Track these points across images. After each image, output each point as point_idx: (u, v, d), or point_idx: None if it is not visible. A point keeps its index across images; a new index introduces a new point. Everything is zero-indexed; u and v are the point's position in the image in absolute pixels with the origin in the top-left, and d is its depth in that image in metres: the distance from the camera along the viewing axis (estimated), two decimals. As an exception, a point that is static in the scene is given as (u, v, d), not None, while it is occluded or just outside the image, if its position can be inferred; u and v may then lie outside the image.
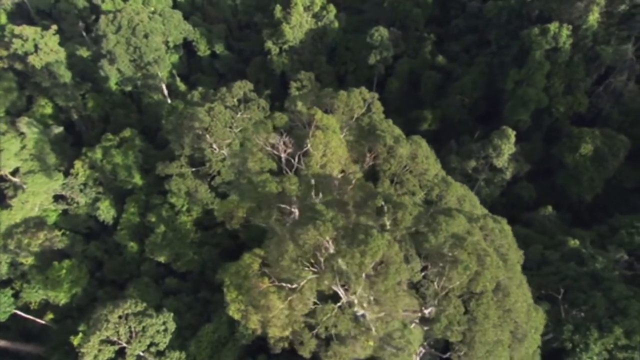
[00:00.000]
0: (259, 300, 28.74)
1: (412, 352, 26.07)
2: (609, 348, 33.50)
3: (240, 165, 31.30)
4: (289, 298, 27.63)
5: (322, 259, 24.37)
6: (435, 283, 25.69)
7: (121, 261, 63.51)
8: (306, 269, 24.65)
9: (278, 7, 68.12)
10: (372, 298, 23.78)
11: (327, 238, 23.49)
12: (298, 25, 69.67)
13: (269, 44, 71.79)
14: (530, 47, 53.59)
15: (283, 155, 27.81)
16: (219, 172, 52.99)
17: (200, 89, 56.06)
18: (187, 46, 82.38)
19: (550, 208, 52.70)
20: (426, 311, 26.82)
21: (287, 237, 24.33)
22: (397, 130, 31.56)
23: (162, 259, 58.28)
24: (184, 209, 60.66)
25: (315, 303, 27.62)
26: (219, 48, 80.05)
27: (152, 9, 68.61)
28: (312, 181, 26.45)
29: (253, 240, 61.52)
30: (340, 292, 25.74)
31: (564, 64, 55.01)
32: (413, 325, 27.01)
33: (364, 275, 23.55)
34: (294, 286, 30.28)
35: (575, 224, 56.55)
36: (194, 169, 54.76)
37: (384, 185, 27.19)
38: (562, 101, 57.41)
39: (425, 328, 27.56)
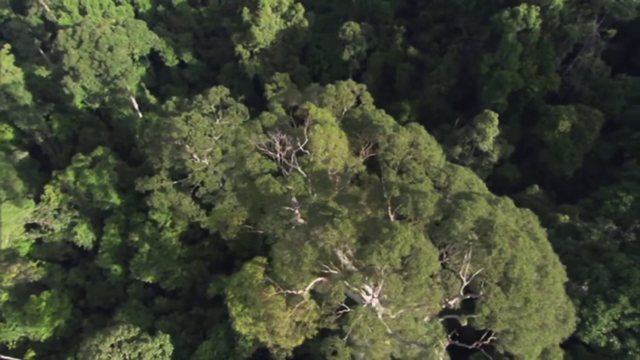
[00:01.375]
0: (267, 311, 27.22)
1: (441, 348, 25.13)
2: (616, 318, 33.81)
3: (237, 169, 29.70)
4: (297, 305, 26.27)
5: (342, 260, 23.17)
6: (462, 272, 24.81)
7: (105, 286, 60.35)
8: (326, 271, 23.37)
9: (246, 10, 66.70)
10: (398, 295, 22.63)
11: (349, 236, 22.34)
12: (267, 27, 68.44)
13: (239, 48, 70.19)
14: (502, 31, 54.30)
15: (281, 154, 26.49)
16: (202, 183, 51.01)
17: (174, 98, 54.03)
18: (153, 57, 79.69)
19: (537, 187, 53.36)
20: (451, 302, 25.96)
21: (302, 240, 22.98)
22: (392, 120, 30.93)
23: (149, 279, 55.69)
24: (168, 224, 58.24)
25: (341, 307, 26.22)
26: (188, 57, 77.81)
27: (114, 20, 65.83)
28: (317, 178, 25.23)
29: (243, 249, 59.87)
30: (363, 292, 24.53)
31: (535, 44, 56.03)
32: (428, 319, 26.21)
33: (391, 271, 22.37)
34: (299, 292, 29.02)
35: (561, 200, 57.52)
36: (175, 182, 52.59)
37: (390, 175, 26.33)
38: (536, 81, 58.45)
39: (440, 320, 26.82)
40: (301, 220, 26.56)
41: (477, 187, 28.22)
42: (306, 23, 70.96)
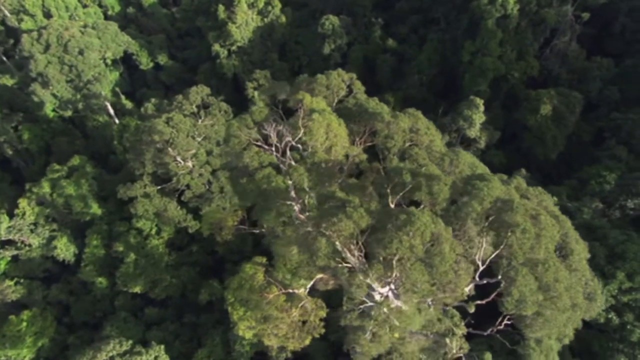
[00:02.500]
0: (270, 312, 26.09)
1: (460, 336, 24.54)
2: (613, 294, 34.21)
3: (233, 164, 28.40)
4: (301, 304, 25.29)
5: (356, 252, 22.25)
6: (478, 256, 24.14)
7: (91, 300, 57.83)
8: (340, 265, 22.41)
9: (221, 8, 65.06)
10: (424, 284, 21.74)
11: (364, 225, 21.42)
12: (244, 24, 66.99)
13: (216, 47, 68.48)
14: (481, 17, 54.59)
15: (279, 146, 25.38)
16: (187, 186, 49.31)
17: (153, 100, 52.08)
18: (126, 61, 76.97)
19: (524, 171, 53.89)
20: (466, 288, 25.38)
21: (311, 234, 21.94)
22: (386, 107, 30.28)
23: (137, 290, 53.59)
24: (153, 231, 56.25)
25: (363, 302, 25.17)
26: (163, 59, 75.48)
27: (82, 23, 63.05)
28: (320, 168, 24.26)
29: (232, 253, 58.39)
30: (377, 284, 23.68)
31: (514, 30, 56.61)
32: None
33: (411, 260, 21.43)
34: (300, 290, 28.06)
35: (546, 182, 58.25)
36: (159, 187, 50.68)
37: (393, 162, 25.61)
38: (516, 67, 59.11)
39: (446, 308, 26.29)
40: (301, 216, 25.60)
41: (480, 170, 27.87)
42: (283, 19, 69.86)
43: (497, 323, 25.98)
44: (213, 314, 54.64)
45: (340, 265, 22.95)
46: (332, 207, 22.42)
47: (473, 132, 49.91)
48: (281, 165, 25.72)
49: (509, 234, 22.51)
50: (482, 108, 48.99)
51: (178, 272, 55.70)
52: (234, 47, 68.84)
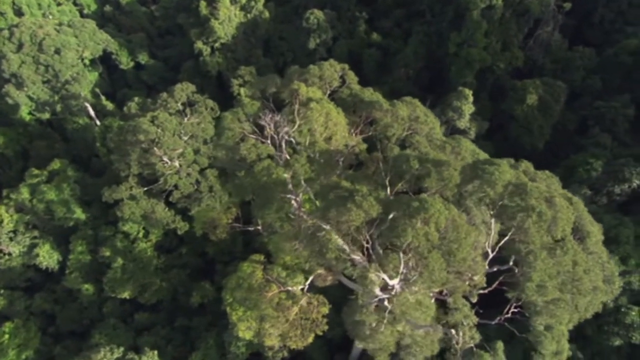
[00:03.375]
0: (272, 311, 25.26)
1: (471, 326, 24.03)
2: (609, 277, 34.56)
3: (228, 158, 27.42)
4: (302, 301, 24.59)
5: (365, 243, 21.54)
6: (487, 242, 23.75)
7: (77, 308, 55.91)
8: (350, 258, 21.68)
9: (203, 3, 63.65)
10: (441, 273, 21.09)
11: (375, 214, 20.72)
12: (227, 20, 65.71)
13: (199, 44, 67.00)
14: (467, 8, 54.72)
15: (276, 137, 24.59)
16: (175, 186, 47.86)
17: (136, 99, 50.52)
18: (105, 61, 74.72)
19: (512, 161, 54.27)
20: (475, 277, 24.96)
21: (316, 227, 21.15)
22: (380, 97, 29.79)
23: (126, 295, 52.00)
24: (141, 234, 54.69)
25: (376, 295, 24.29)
26: (143, 58, 73.49)
27: (57, 21, 60.73)
28: (321, 158, 23.54)
29: (223, 254, 57.26)
30: (386, 276, 23.04)
31: (498, 21, 56.96)
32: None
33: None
34: (300, 288, 27.37)
35: (534, 171, 58.88)
36: (146, 188, 49.11)
37: (394, 151, 25.07)
38: (501, 58, 59.56)
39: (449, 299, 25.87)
40: (302, 211, 24.87)
41: (482, 156, 27.62)
42: (267, 14, 68.83)
43: (505, 311, 25.74)
44: (205, 317, 53.51)
45: (350, 257, 22.26)
46: (338, 198, 21.69)
47: (463, 123, 50.01)
48: (278, 157, 24.95)
49: (525, 217, 22.18)
50: (470, 99, 49.12)
51: (168, 275, 54.32)
52: (217, 44, 67.49)
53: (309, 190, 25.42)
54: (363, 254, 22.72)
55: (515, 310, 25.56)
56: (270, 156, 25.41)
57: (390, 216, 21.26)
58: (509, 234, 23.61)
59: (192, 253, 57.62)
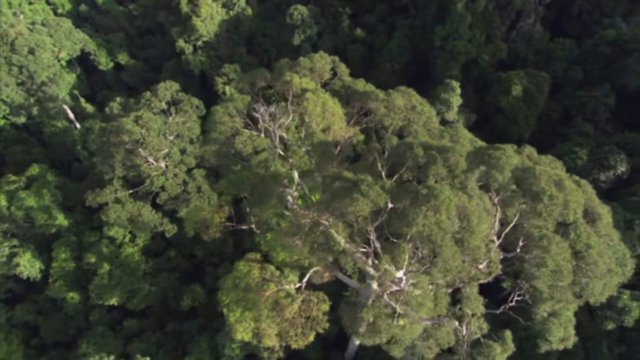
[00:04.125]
0: (270, 310, 24.52)
1: (479, 316, 23.67)
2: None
3: (223, 152, 26.48)
4: (301, 299, 23.94)
5: (370, 235, 20.91)
6: (493, 229, 23.38)
7: (62, 318, 53.99)
8: (360, 250, 21.03)
9: (184, 1, 62.27)
10: (456, 261, 20.58)
11: (382, 204, 20.12)
12: (209, 18, 64.45)
13: (180, 43, 65.56)
14: (451, 1, 54.89)
15: (271, 130, 23.82)
16: (162, 188, 46.52)
17: (118, 99, 48.93)
18: (83, 62, 72.48)
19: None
20: (480, 266, 24.63)
21: (324, 219, 20.43)
22: (373, 88, 29.37)
23: (113, 302, 50.44)
24: (127, 239, 53.18)
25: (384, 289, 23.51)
26: (123, 58, 71.54)
27: (29, 20, 58.42)
28: (319, 150, 22.84)
29: (213, 255, 56.19)
30: (393, 268, 22.50)
31: (482, 14, 57.34)
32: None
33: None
34: (297, 285, 26.75)
35: (521, 162, 59.53)
36: (131, 191, 47.67)
37: (393, 141, 24.60)
38: (486, 50, 60.01)
39: (450, 290, 25.60)
40: (296, 206, 24.22)
41: (480, 144, 27.42)
42: (249, 11, 67.85)
43: (510, 299, 25.58)
44: (197, 320, 52.36)
45: (356, 250, 21.65)
46: (342, 188, 21.04)
47: (451, 115, 50.12)
48: (275, 150, 24.19)
49: (537, 201, 21.93)
50: (458, 91, 49.28)
51: (157, 279, 52.94)
52: (199, 42, 66.17)
53: (304, 185, 24.78)
54: (369, 246, 22.18)
55: (519, 298, 25.44)
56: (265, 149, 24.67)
57: (396, 205, 20.71)
58: (515, 219, 23.36)
59: (181, 256, 56.36)
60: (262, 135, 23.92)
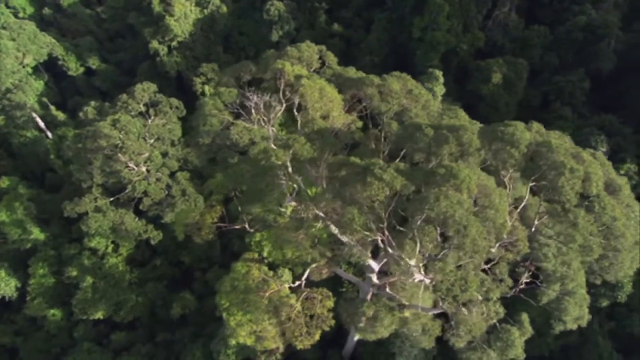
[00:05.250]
0: (272, 310, 23.43)
1: (495, 300, 22.94)
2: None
3: (216, 144, 25.12)
4: (303, 296, 22.97)
5: (385, 220, 19.98)
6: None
7: (43, 337, 51.28)
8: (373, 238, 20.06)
9: (155, 0, 60.12)
10: (482, 241, 19.73)
11: (399, 187, 19.21)
12: (183, 17, 62.53)
13: (154, 44, 63.35)
14: (428, -8, 55.04)
15: (267, 119, 22.70)
16: (145, 193, 44.62)
17: (93, 103, 46.76)
18: (50, 68, 69.23)
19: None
20: (493, 249, 23.79)
21: (336, 207, 19.34)
22: (364, 75, 28.62)
23: (99, 315, 48.28)
24: (110, 249, 50.95)
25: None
26: (94, 62, 68.66)
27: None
28: (319, 137, 21.80)
29: (200, 261, 54.52)
30: (404, 259, 21.67)
31: (458, 3, 57.69)
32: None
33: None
34: (296, 284, 25.77)
35: (504, 149, 60.18)
36: (112, 199, 45.59)
37: (392, 126, 23.85)
38: (464, 39, 60.46)
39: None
40: (293, 203, 23.19)
41: (479, 126, 27.05)
42: (224, 9, 66.23)
43: (520, 282, 25.10)
44: (188, 328, 50.64)
45: (374, 238, 20.67)
46: (351, 175, 20.07)
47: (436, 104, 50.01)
48: (271, 140, 23.06)
49: (557, 175, 21.47)
50: (441, 80, 49.31)
51: (143, 289, 50.93)
52: (174, 43, 64.12)
53: (299, 179, 23.82)
54: (383, 233, 21.34)
55: (527, 280, 25.09)
56: (264, 138, 23.51)
57: (412, 188, 19.98)
58: (526, 197, 22.81)
59: (167, 263, 54.46)
60: (255, 126, 22.85)
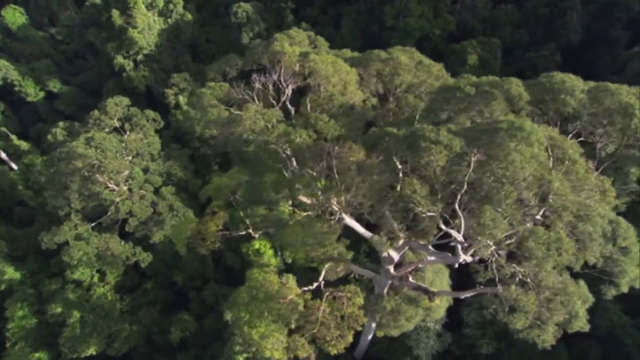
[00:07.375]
0: (300, 316, 21.28)
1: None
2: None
3: (227, 137, 22.70)
4: (329, 295, 21.01)
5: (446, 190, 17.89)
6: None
7: (31, 384, 46.87)
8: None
9: (116, 13, 57.19)
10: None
11: (458, 149, 17.23)
12: (147, 28, 59.74)
13: (119, 59, 60.18)
14: (397, -21, 54.65)
15: (279, 100, 20.67)
16: (130, 213, 41.64)
17: (61, 123, 43.50)
18: (6, 96, 64.84)
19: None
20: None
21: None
22: (361, 55, 27.21)
23: (91, 352, 44.71)
24: (96, 279, 47.46)
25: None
26: (55, 85, 64.68)
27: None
28: (341, 114, 19.79)
29: (193, 279, 51.57)
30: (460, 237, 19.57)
31: (427, -11, 57.70)
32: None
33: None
34: (312, 285, 23.88)
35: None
36: (94, 223, 42.36)
37: (409, 100, 22.32)
38: (436, 24, 60.38)
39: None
40: (304, 198, 21.19)
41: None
42: (189, 17, 63.82)
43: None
44: (190, 351, 47.63)
45: (439, 212, 18.28)
46: (397, 142, 17.87)
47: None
48: (290, 121, 20.67)
49: (628, 119, 20.23)
50: (423, 64, 48.73)
51: (137, 316, 47.63)
52: (140, 56, 61.12)
53: (309, 171, 21.91)
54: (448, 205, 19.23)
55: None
56: (280, 121, 21.39)
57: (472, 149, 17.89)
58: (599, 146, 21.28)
59: (159, 287, 51.20)
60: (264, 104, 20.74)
